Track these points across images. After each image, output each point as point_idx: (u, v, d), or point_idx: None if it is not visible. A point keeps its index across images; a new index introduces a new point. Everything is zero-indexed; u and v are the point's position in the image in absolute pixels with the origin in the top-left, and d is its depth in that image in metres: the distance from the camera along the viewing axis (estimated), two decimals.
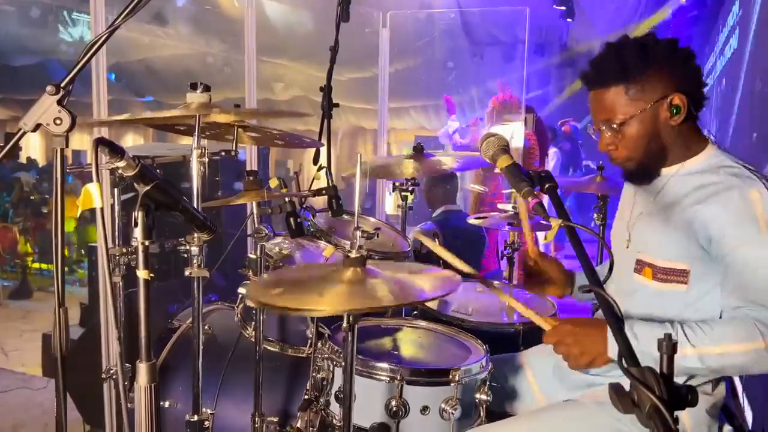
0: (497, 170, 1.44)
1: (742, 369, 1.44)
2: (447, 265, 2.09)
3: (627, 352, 0.84)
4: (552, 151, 7.01)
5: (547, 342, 1.52)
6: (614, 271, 1.51)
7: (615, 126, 1.53)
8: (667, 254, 1.54)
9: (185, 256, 1.56)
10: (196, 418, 1.65)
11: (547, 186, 1.33)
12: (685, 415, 1.52)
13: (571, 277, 1.86)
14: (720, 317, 1.50)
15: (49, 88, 1.14)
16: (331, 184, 1.99)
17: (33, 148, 12.44)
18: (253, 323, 1.94)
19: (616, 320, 0.90)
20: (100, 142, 1.17)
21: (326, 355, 1.69)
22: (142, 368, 1.25)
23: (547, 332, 1.51)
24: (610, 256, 1.28)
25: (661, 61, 1.51)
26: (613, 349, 1.44)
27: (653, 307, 1.57)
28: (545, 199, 1.34)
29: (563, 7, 7.29)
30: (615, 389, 0.81)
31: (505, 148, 1.44)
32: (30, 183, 8.09)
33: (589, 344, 1.46)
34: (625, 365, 0.83)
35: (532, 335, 2.12)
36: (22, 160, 10.35)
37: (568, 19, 7.51)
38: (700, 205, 1.48)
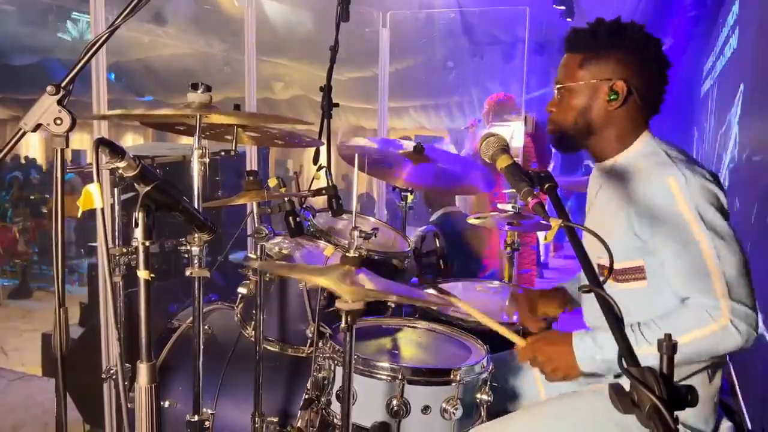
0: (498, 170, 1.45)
1: (706, 353, 1.44)
2: (446, 265, 2.10)
3: (627, 353, 0.84)
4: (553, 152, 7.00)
5: (521, 360, 1.63)
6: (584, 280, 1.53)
7: (559, 88, 1.62)
8: (617, 254, 1.55)
9: (185, 256, 1.56)
10: (196, 418, 1.65)
11: (546, 186, 1.34)
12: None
13: (561, 291, 1.96)
14: None
15: (49, 88, 1.14)
16: (330, 184, 1.99)
17: (32, 147, 12.45)
18: (253, 323, 1.94)
19: (616, 320, 0.90)
20: (100, 143, 1.16)
21: (327, 355, 1.69)
22: (143, 369, 1.25)
23: (520, 352, 1.61)
24: (609, 256, 1.28)
25: (623, 46, 1.57)
26: (583, 364, 1.50)
27: (623, 309, 1.57)
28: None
29: (563, 7, 7.29)
30: (615, 389, 0.81)
31: (505, 148, 1.44)
32: (30, 182, 8.09)
33: (560, 360, 1.53)
34: (625, 365, 0.83)
35: (531, 335, 2.12)
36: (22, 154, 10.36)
37: (568, 19, 7.51)
38: (633, 194, 1.51)
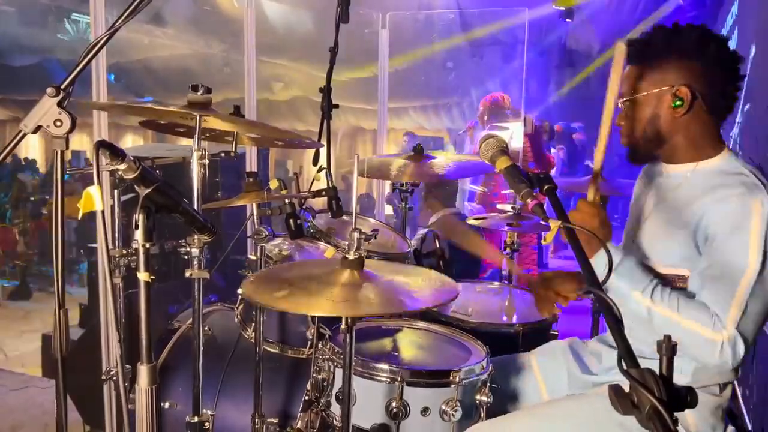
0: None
1: (686, 345, 1.44)
2: (446, 266, 2.09)
3: (626, 354, 0.84)
4: (553, 152, 7.00)
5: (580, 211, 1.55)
6: None
7: (626, 101, 1.60)
8: (671, 260, 1.56)
9: (185, 257, 1.56)
10: (196, 419, 1.65)
11: (546, 187, 1.34)
12: (690, 417, 1.53)
13: (578, 274, 1.91)
14: None
15: (49, 90, 1.14)
16: (330, 185, 1.99)
17: (32, 148, 12.44)
18: (253, 324, 1.94)
19: (616, 322, 0.90)
20: (101, 145, 1.17)
21: (327, 356, 1.69)
22: (143, 370, 1.25)
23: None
24: (608, 258, 1.28)
25: (680, 52, 1.54)
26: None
27: None
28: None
29: (562, 7, 7.31)
30: (615, 390, 0.81)
31: (504, 150, 1.44)
32: (31, 184, 8.09)
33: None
34: (625, 367, 0.83)
35: (531, 336, 2.12)
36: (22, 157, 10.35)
37: (567, 20, 7.52)
38: (707, 206, 1.49)
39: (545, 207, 1.29)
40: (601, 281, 1.03)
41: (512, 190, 1.36)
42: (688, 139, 1.58)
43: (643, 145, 1.62)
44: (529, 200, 1.28)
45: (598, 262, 1.46)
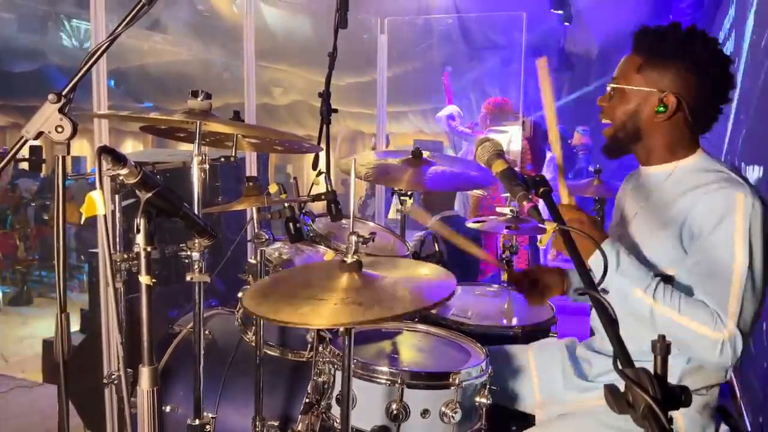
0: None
1: (686, 344, 1.45)
2: (445, 269, 2.10)
3: (621, 354, 0.85)
4: (549, 156, 6.99)
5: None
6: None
7: (613, 87, 1.61)
8: (656, 261, 1.56)
9: (186, 261, 1.57)
10: (197, 422, 1.66)
11: (542, 190, 1.35)
12: (678, 416, 1.54)
13: (565, 274, 1.92)
14: None
15: (50, 96, 1.16)
16: (330, 189, 2.01)
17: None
18: (254, 328, 1.95)
19: (611, 322, 0.90)
20: (102, 151, 1.18)
21: (327, 359, 1.70)
22: (145, 372, 1.26)
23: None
24: (603, 259, 1.29)
25: (687, 59, 1.53)
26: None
27: None
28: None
29: (561, 12, 7.32)
30: (610, 390, 0.82)
31: (500, 153, 1.45)
32: (32, 190, 8.09)
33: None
34: (620, 367, 0.84)
35: (531, 338, 2.13)
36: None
37: (566, 23, 7.54)
38: (692, 202, 1.50)
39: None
40: (597, 282, 1.04)
41: (508, 192, 1.36)
42: (663, 143, 1.60)
43: (619, 137, 1.63)
44: (524, 203, 1.29)
45: (597, 263, 1.46)
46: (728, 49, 4.80)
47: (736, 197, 1.45)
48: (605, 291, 1.46)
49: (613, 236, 1.72)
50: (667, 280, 1.51)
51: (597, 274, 1.44)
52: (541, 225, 1.24)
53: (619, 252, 1.49)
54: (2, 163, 1.22)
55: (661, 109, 1.54)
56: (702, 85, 1.54)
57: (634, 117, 1.58)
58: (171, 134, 2.00)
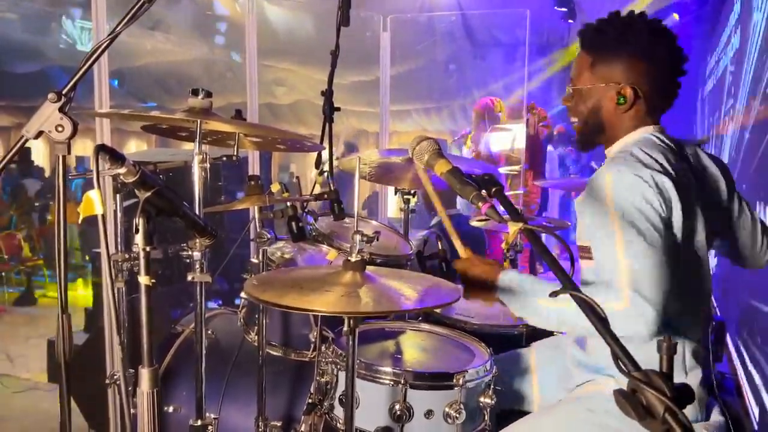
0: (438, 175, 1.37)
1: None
2: (449, 268, 2.09)
3: (624, 355, 0.83)
4: (550, 149, 6.96)
5: (456, 266, 1.71)
6: None
7: (572, 88, 1.65)
8: (579, 235, 1.60)
9: (188, 261, 1.57)
10: (199, 422, 1.65)
11: (493, 190, 1.32)
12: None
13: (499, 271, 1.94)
14: None
15: (50, 95, 1.15)
16: (332, 188, 2.00)
17: (39, 154, 12.47)
18: (256, 328, 1.94)
19: (600, 320, 0.88)
20: (100, 149, 1.17)
21: (330, 359, 1.69)
22: (145, 374, 1.26)
23: (456, 262, 1.71)
24: (568, 253, 1.30)
25: (630, 47, 1.57)
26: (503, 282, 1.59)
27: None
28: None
29: (564, 9, 7.30)
30: (623, 395, 0.78)
31: (440, 152, 1.37)
32: (35, 189, 8.11)
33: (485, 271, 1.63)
34: (626, 369, 0.81)
35: (535, 337, 2.12)
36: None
37: (570, 21, 7.51)
38: (589, 188, 1.54)
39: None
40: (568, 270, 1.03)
41: (459, 194, 1.29)
42: (620, 128, 1.63)
43: (587, 132, 1.68)
44: (480, 203, 1.24)
45: (505, 299, 1.58)
46: (734, 45, 4.77)
47: (605, 180, 1.48)
48: (526, 325, 1.50)
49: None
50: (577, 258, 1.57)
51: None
52: (501, 224, 1.21)
53: (515, 275, 1.57)
54: (3, 162, 1.21)
55: (621, 101, 1.58)
56: (653, 68, 1.57)
57: (597, 112, 1.63)
58: (173, 134, 2.00)
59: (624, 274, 1.39)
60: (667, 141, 1.60)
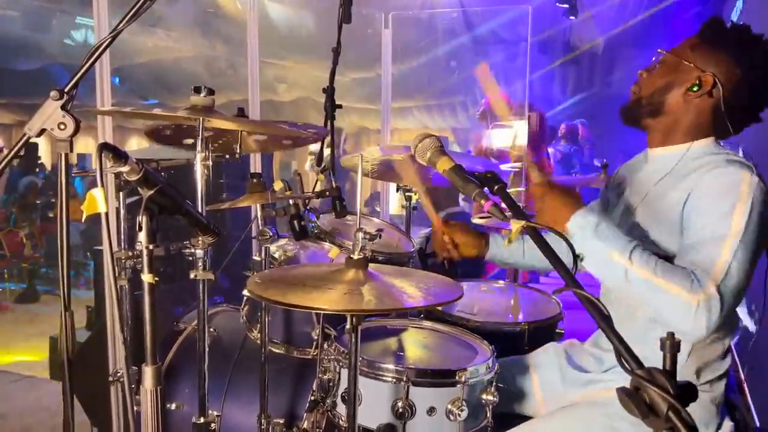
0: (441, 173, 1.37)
1: (658, 306, 1.41)
2: (450, 265, 2.10)
3: (627, 352, 0.83)
4: (551, 151, 6.95)
5: (533, 191, 1.57)
6: None
7: (662, 54, 1.63)
8: (664, 247, 1.54)
9: (190, 258, 1.57)
10: (202, 420, 1.66)
11: (496, 187, 1.31)
12: None
13: (485, 237, 1.99)
14: None
15: (52, 93, 1.15)
16: (334, 186, 2.00)
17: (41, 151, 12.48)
18: (259, 325, 1.94)
19: (604, 318, 0.88)
20: (104, 148, 1.17)
21: (332, 357, 1.69)
22: (148, 371, 1.26)
23: (533, 186, 1.58)
24: (571, 249, 1.28)
25: (738, 54, 1.55)
26: (573, 228, 1.46)
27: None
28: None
29: (566, 5, 7.28)
30: (626, 393, 0.78)
31: (443, 149, 1.37)
32: (36, 186, 8.13)
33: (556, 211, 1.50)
34: (630, 368, 0.81)
35: (537, 335, 2.12)
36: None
37: (572, 17, 7.50)
38: (697, 179, 1.51)
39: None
40: (571, 268, 1.02)
41: (461, 191, 1.29)
42: (683, 123, 1.60)
43: (642, 105, 1.64)
44: (483, 201, 1.23)
45: (575, 234, 1.45)
46: None
47: (742, 175, 1.46)
48: (581, 258, 1.43)
49: (615, 221, 1.69)
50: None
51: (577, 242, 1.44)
52: (504, 222, 1.21)
53: (597, 217, 1.46)
54: (5, 161, 1.21)
55: (695, 88, 1.56)
56: (746, 82, 1.55)
57: (666, 90, 1.60)
58: (178, 141, 1.96)
59: (718, 270, 1.38)
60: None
